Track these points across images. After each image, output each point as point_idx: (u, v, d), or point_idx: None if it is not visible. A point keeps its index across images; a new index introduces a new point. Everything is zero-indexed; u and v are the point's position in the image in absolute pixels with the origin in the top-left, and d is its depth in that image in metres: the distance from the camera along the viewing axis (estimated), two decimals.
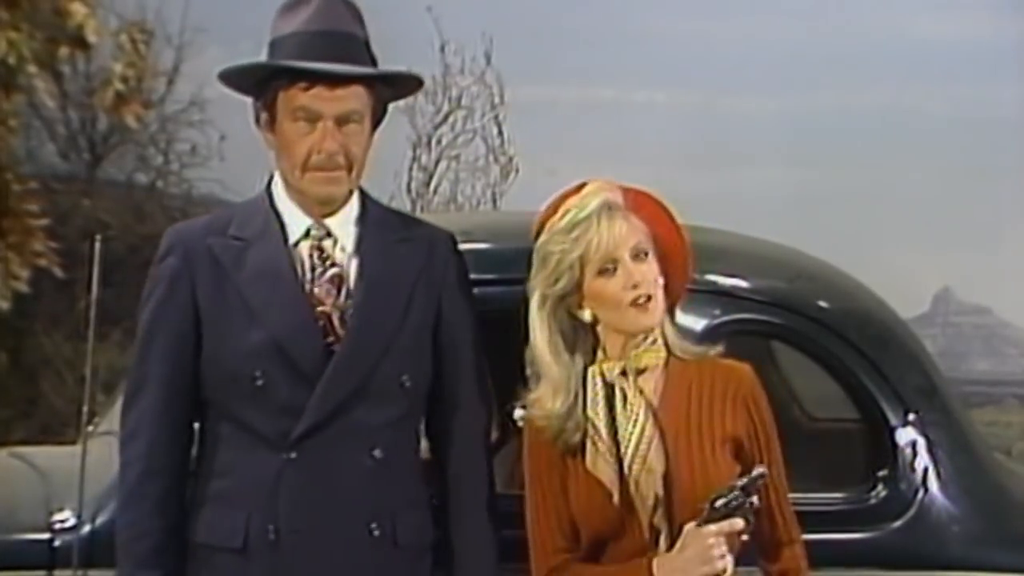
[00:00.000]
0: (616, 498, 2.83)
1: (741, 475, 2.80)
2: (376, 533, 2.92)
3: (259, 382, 2.89)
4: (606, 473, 2.84)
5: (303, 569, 2.89)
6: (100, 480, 3.19)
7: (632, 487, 2.83)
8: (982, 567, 3.46)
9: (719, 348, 2.96)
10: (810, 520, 3.03)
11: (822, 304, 3.56)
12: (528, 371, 2.95)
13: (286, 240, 2.97)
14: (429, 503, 3.01)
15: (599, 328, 2.90)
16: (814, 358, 3.56)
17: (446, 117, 10.18)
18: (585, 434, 2.87)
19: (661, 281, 2.88)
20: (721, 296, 3.45)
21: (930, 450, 3.49)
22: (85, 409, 3.40)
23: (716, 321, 3.41)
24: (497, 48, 10.21)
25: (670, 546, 2.81)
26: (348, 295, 2.95)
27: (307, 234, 2.98)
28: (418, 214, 6.41)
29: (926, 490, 3.47)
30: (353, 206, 3.01)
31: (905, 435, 3.48)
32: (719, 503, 2.75)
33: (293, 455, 2.90)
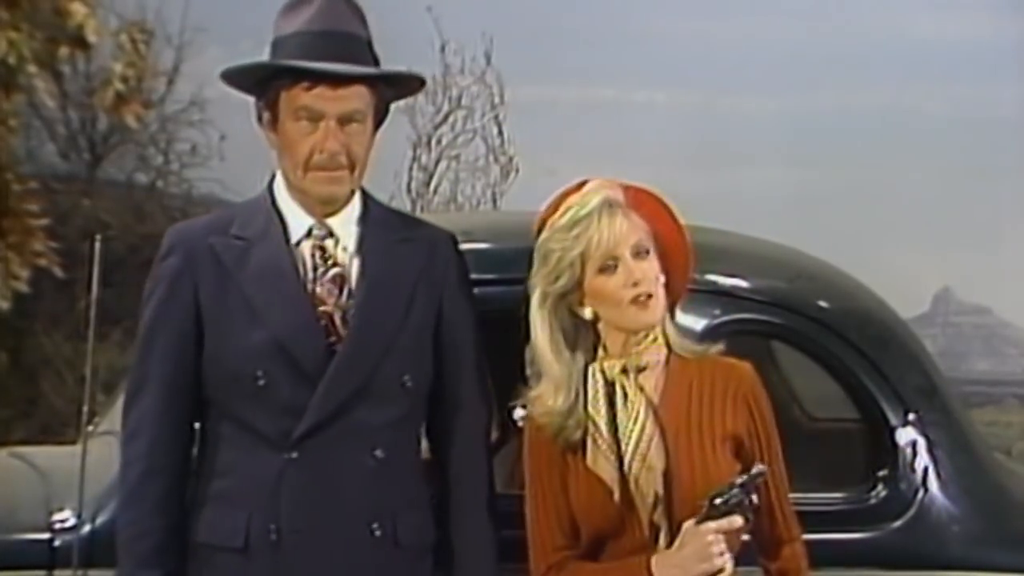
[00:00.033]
0: (616, 496, 2.83)
1: (741, 473, 2.80)
2: (377, 533, 2.92)
3: (261, 382, 2.89)
4: (606, 471, 2.84)
5: (304, 569, 2.89)
6: (100, 480, 3.19)
7: (632, 485, 2.83)
8: (982, 567, 3.46)
9: (720, 346, 2.97)
10: (810, 520, 3.03)
11: (822, 304, 3.56)
12: (528, 370, 2.95)
13: (288, 240, 2.97)
14: (430, 503, 3.01)
15: (600, 326, 2.90)
16: (814, 358, 3.56)
17: (446, 117, 10.18)
18: (586, 432, 2.87)
19: (662, 279, 2.88)
20: (721, 296, 3.45)
21: (930, 450, 3.49)
22: (85, 409, 3.40)
23: (716, 321, 3.41)
24: (497, 48, 10.22)
25: (670, 544, 2.81)
26: (350, 295, 2.95)
27: (309, 234, 2.98)
28: (418, 214, 6.42)
29: (926, 490, 3.47)
30: (355, 206, 3.01)
31: (905, 435, 3.48)
32: (718, 501, 2.75)
33: (295, 455, 2.90)
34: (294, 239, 2.98)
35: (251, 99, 3.01)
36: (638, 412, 2.85)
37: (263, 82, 2.95)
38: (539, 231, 2.92)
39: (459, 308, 3.03)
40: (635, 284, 2.84)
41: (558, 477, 2.90)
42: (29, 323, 10.16)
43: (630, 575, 2.82)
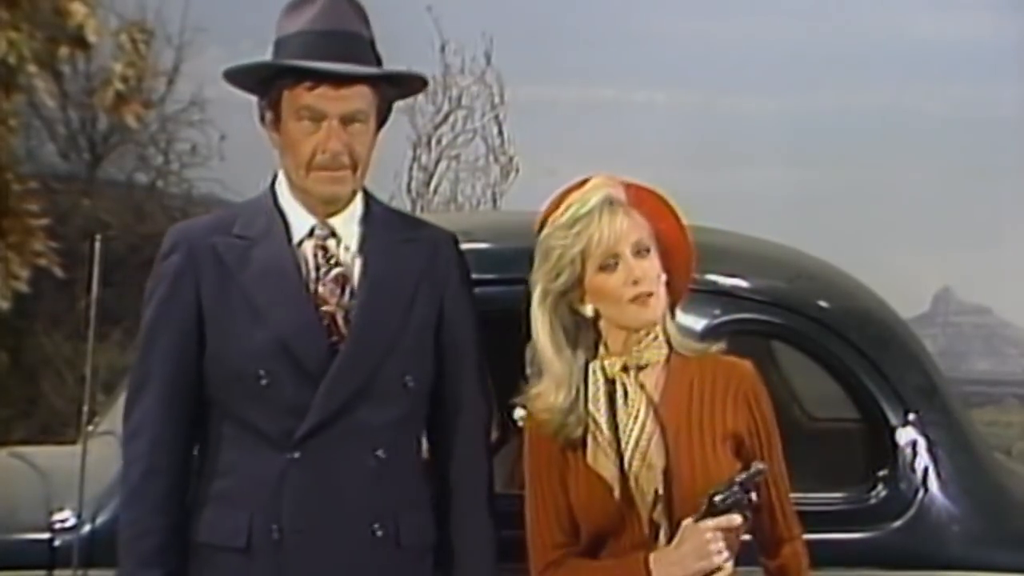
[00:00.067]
0: (616, 493, 2.83)
1: (741, 471, 2.80)
2: (379, 534, 2.92)
3: (263, 381, 2.89)
4: (606, 468, 2.84)
5: (306, 569, 2.89)
6: (100, 480, 3.19)
7: (632, 483, 2.83)
8: (982, 567, 3.46)
9: (721, 345, 2.97)
10: (810, 520, 3.03)
11: (822, 304, 3.56)
12: (529, 369, 2.95)
13: (290, 239, 2.97)
14: (431, 504, 3.01)
15: (601, 323, 2.90)
16: (814, 358, 3.56)
17: (446, 117, 10.19)
18: (586, 429, 2.87)
19: (664, 278, 2.88)
20: (721, 296, 3.45)
21: (930, 450, 3.49)
22: (85, 409, 3.40)
23: (716, 321, 3.41)
24: (497, 48, 10.23)
25: (670, 542, 2.81)
26: (352, 295, 2.95)
27: (311, 233, 2.97)
28: (418, 214, 6.41)
29: (926, 490, 3.47)
30: (357, 206, 3.01)
31: (905, 435, 3.48)
32: (717, 499, 2.76)
33: (297, 455, 2.89)
34: (296, 239, 2.97)
35: (251, 99, 3.01)
36: (638, 410, 2.85)
37: (266, 81, 2.95)
38: (541, 228, 2.92)
39: (460, 308, 3.03)
40: (635, 282, 2.84)
41: (558, 475, 2.90)
42: (29, 323, 10.16)
43: (628, 572, 2.82)
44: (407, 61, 3.17)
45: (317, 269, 2.96)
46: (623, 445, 2.84)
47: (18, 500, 3.44)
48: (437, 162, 10.21)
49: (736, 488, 2.76)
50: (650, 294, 2.85)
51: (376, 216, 3.03)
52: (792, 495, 2.97)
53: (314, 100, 2.90)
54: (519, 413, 2.98)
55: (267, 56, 2.98)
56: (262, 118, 2.99)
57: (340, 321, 2.93)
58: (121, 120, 9.75)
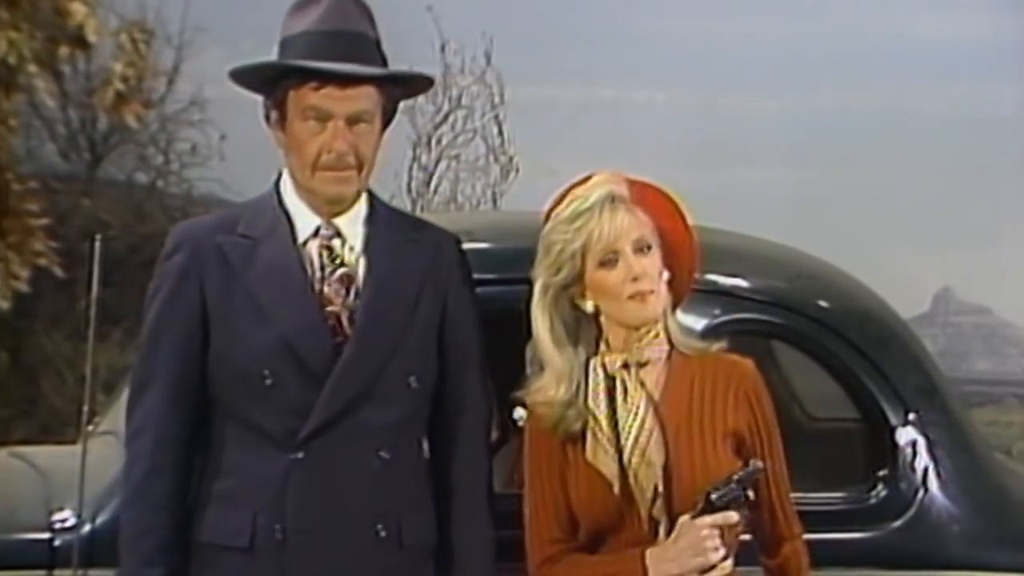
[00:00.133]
0: (616, 489, 2.83)
1: (739, 469, 2.80)
2: (382, 534, 2.92)
3: (268, 381, 2.89)
4: (606, 465, 2.84)
5: (309, 569, 2.89)
6: (100, 480, 3.19)
7: (631, 479, 2.83)
8: (982, 567, 3.46)
9: (723, 343, 2.97)
10: (810, 520, 3.03)
11: (822, 304, 3.56)
12: (529, 368, 2.95)
13: (295, 239, 2.97)
14: (433, 504, 3.01)
15: (602, 320, 2.90)
16: (814, 358, 3.56)
17: (446, 117, 10.19)
18: (585, 424, 2.87)
19: (666, 276, 2.88)
20: (721, 296, 3.46)
21: (930, 450, 3.49)
22: (85, 409, 3.40)
23: (716, 321, 3.41)
24: (497, 48, 10.22)
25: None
26: (357, 295, 2.95)
27: (316, 233, 2.97)
28: (418, 214, 6.41)
29: (926, 490, 3.47)
30: (361, 206, 3.01)
31: (905, 435, 3.49)
32: (714, 496, 2.76)
33: (300, 455, 2.89)
34: (301, 239, 2.97)
35: (252, 99, 3.01)
36: (638, 407, 2.85)
37: (271, 81, 2.95)
38: (545, 224, 2.92)
39: (463, 308, 3.03)
40: (635, 279, 2.84)
41: (557, 470, 2.90)
42: (29, 323, 10.16)
43: (625, 568, 2.82)
44: (407, 61, 3.17)
45: (322, 269, 2.96)
46: (622, 441, 2.84)
47: (18, 500, 3.45)
48: (437, 162, 10.21)
49: (733, 486, 2.76)
50: (649, 292, 2.85)
51: (380, 216, 3.03)
52: (792, 495, 2.98)
53: (320, 100, 2.90)
54: (519, 413, 2.99)
55: (268, 55, 2.98)
56: (267, 117, 2.99)
57: (344, 321, 2.93)
58: (121, 120, 9.75)
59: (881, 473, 3.48)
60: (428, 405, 3.00)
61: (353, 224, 2.99)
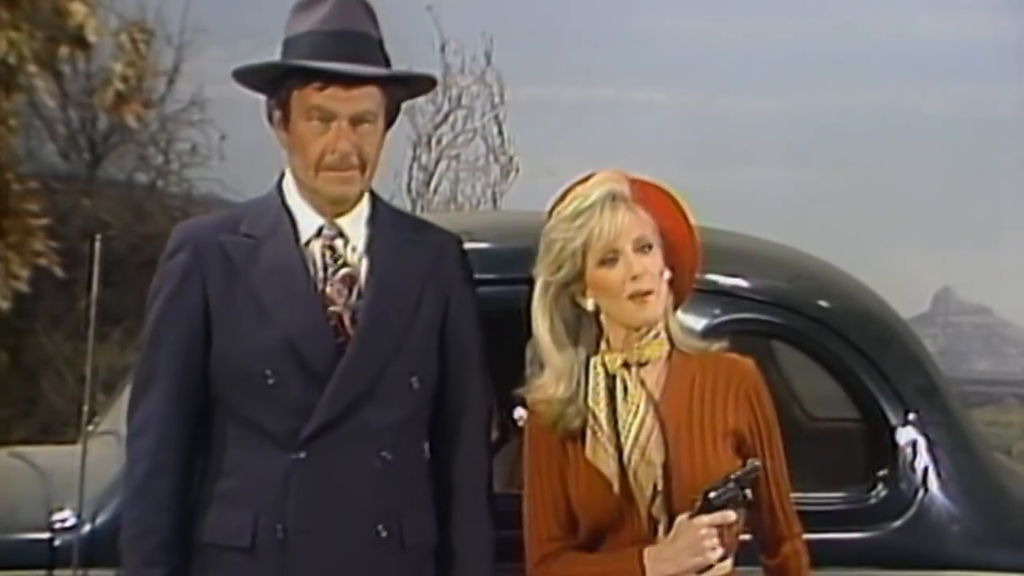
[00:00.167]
0: (615, 488, 2.83)
1: (738, 468, 2.80)
2: (383, 534, 2.92)
3: (270, 381, 2.89)
4: (606, 463, 2.84)
5: (310, 569, 2.89)
6: (100, 480, 3.19)
7: (631, 478, 2.83)
8: (982, 567, 3.46)
9: (723, 343, 2.97)
10: (810, 520, 3.03)
11: (822, 304, 3.56)
12: (529, 368, 2.95)
13: (298, 239, 2.97)
14: (434, 504, 3.00)
15: (603, 318, 2.90)
16: (814, 358, 3.56)
17: (446, 117, 10.19)
18: (585, 422, 2.87)
19: (667, 275, 2.88)
20: (721, 296, 3.46)
21: (930, 450, 3.49)
22: (85, 409, 3.40)
23: (716, 321, 3.41)
24: (497, 48, 10.22)
25: None
26: (359, 295, 2.95)
27: (319, 233, 2.97)
28: (418, 214, 6.41)
29: (926, 490, 3.47)
30: (364, 206, 3.01)
31: (905, 435, 3.49)
32: (712, 495, 2.77)
33: (302, 455, 2.89)
34: (304, 238, 2.97)
35: (252, 98, 3.01)
36: (638, 406, 2.85)
37: (275, 81, 2.95)
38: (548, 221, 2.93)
39: (464, 309, 3.03)
40: (634, 278, 2.84)
41: (557, 468, 2.90)
42: (29, 323, 10.16)
43: (623, 566, 2.82)
44: (407, 61, 3.17)
45: (325, 269, 2.96)
46: (622, 440, 2.84)
47: (18, 500, 3.44)
48: (437, 162, 10.22)
49: (732, 485, 2.77)
50: (649, 291, 2.85)
51: (383, 217, 3.03)
52: (792, 495, 2.98)
53: (324, 100, 2.90)
54: (519, 413, 2.99)
55: (269, 55, 2.98)
56: (270, 117, 2.99)
57: (347, 321, 2.93)
58: (121, 120, 9.75)
59: (881, 473, 3.48)
60: (429, 405, 3.00)
61: (356, 224, 2.99)
